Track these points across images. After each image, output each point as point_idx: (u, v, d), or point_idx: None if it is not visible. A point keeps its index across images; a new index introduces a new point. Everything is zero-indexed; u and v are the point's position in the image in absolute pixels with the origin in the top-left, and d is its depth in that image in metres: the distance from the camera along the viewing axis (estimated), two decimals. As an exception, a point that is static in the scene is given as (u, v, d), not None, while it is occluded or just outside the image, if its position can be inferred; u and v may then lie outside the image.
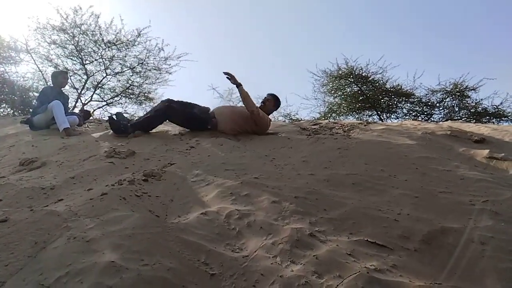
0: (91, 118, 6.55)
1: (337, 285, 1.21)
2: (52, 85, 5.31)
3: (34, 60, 10.38)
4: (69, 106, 5.69)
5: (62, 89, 5.33)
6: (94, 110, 11.33)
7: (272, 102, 4.26)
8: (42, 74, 10.58)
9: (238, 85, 3.88)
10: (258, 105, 4.06)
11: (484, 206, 1.89)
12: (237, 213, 1.75)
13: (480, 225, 1.68)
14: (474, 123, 7.06)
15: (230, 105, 4.21)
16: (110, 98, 11.62)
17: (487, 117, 10.47)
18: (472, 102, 10.79)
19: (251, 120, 3.89)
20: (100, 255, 1.28)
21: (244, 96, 3.87)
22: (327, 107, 12.13)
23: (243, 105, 3.96)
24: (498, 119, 10.43)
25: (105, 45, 10.42)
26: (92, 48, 10.51)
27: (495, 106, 10.46)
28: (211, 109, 4.15)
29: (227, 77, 3.90)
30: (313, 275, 1.28)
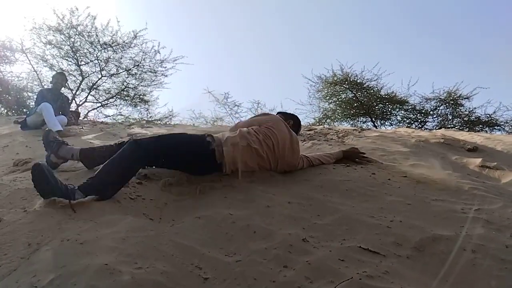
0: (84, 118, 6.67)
1: (330, 291, 1.22)
2: (50, 86, 5.35)
3: (29, 60, 10.34)
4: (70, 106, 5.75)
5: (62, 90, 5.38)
6: (89, 111, 11.29)
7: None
8: (37, 74, 10.53)
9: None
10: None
11: (476, 215, 1.91)
12: (231, 217, 1.76)
13: (472, 233, 1.69)
14: (467, 131, 7.13)
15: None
16: (105, 100, 11.58)
17: (480, 126, 10.56)
18: (466, 110, 10.88)
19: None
20: (94, 258, 1.27)
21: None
22: (322, 113, 12.17)
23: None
24: (491, 128, 10.52)
25: (101, 47, 10.40)
26: (87, 49, 10.48)
27: (488, 115, 10.55)
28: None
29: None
30: (305, 280, 1.28)
